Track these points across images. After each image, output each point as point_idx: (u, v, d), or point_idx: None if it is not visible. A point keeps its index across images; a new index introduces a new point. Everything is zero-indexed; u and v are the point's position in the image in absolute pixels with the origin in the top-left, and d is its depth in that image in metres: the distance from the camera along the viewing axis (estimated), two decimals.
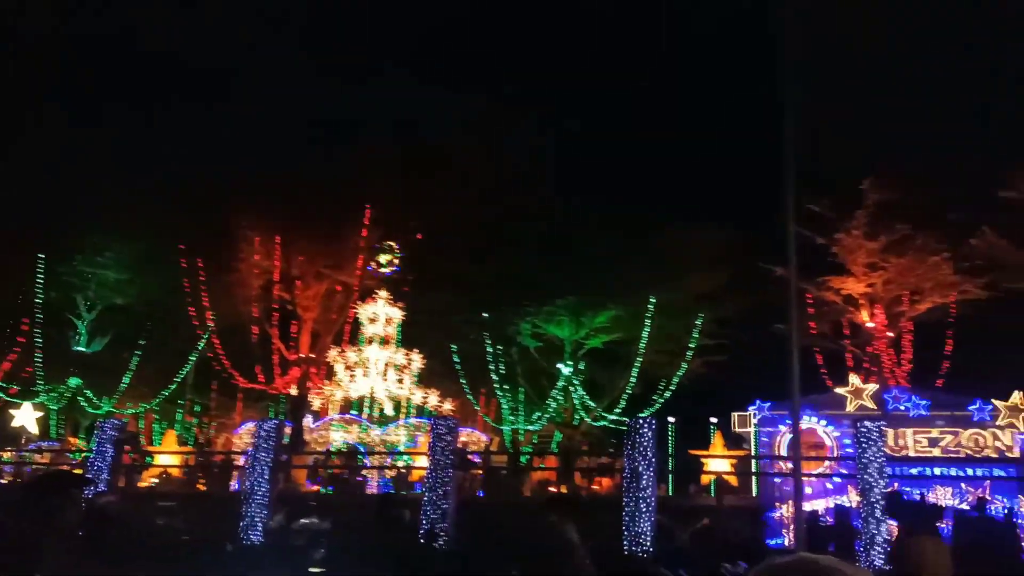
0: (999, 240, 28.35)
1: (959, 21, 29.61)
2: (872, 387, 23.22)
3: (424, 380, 30.42)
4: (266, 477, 17.49)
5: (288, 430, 22.96)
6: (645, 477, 16.31)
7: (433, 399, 29.53)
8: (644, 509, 15.87)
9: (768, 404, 22.68)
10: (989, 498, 16.98)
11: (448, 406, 29.75)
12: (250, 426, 23.05)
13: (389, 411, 28.70)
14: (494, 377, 33.34)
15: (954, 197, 29.21)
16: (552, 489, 24.22)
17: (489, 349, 32.77)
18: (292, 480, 23.30)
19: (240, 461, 21.96)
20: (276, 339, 30.77)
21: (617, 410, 33.19)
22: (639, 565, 14.17)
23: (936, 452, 20.12)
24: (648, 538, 15.19)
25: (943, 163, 28.66)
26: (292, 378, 30.62)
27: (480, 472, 23.63)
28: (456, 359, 32.42)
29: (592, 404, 33.48)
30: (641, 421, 17.21)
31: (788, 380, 13.11)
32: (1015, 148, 27.53)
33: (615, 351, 34.06)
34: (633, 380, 32.91)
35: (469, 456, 23.69)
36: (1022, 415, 21.07)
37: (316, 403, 29.59)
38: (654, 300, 31.15)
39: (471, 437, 28.62)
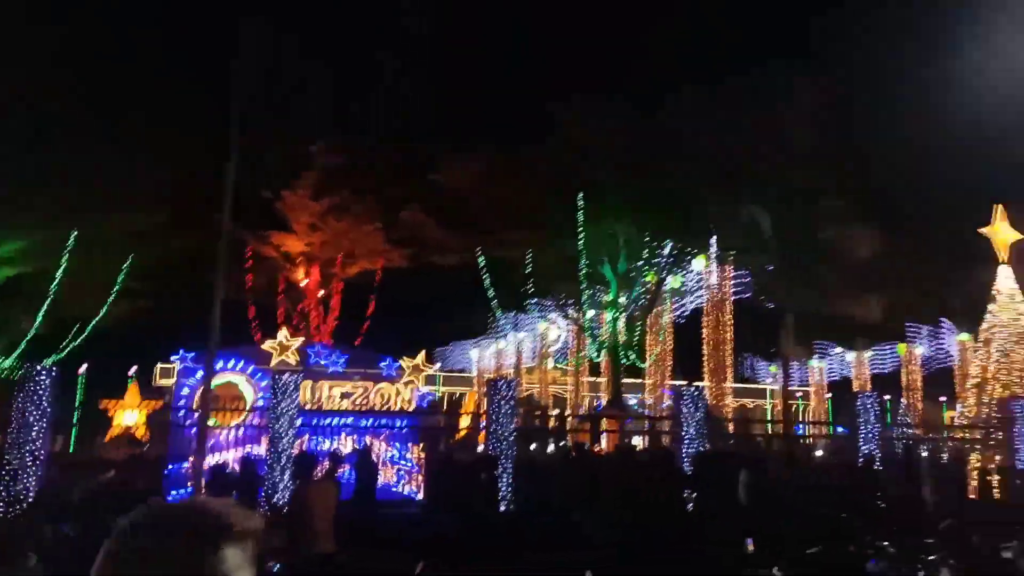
0: (425, 217, 31.75)
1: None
2: (297, 342, 23.84)
3: None
4: None
5: None
6: (35, 430, 14.15)
7: None
8: (30, 465, 13.84)
9: (192, 355, 21.72)
10: (378, 446, 18.64)
11: None
12: None
13: None
14: None
15: (392, 173, 31.86)
16: None
17: None
18: None
19: None
20: None
21: (16, 353, 28.61)
22: (10, 526, 12.18)
23: (347, 404, 21.50)
24: (32, 495, 13.35)
25: (389, 139, 31.00)
26: None
27: None
28: None
29: None
30: (39, 367, 14.84)
31: (209, 331, 12.57)
32: (447, 133, 31.04)
33: (20, 286, 29.26)
34: (40, 321, 28.68)
35: None
36: (422, 373, 23.80)
37: None
38: (76, 232, 27.46)
39: None
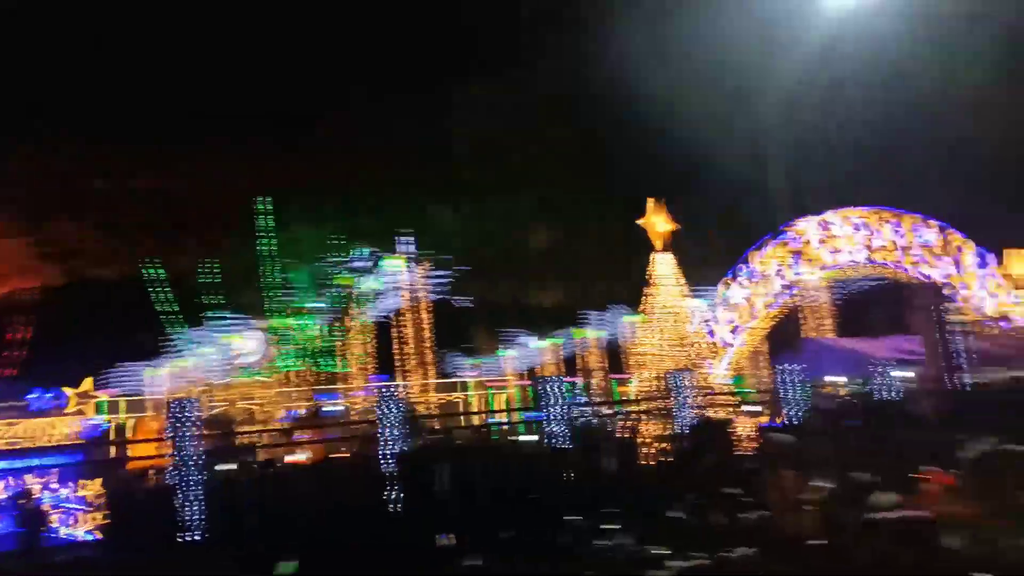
0: (78, 228, 28.53)
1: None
2: None
3: None
4: None
5: None
6: None
7: None
8: None
9: None
10: (33, 489, 16.29)
11: None
12: None
13: None
14: None
15: (37, 183, 28.21)
16: None
17: None
18: None
19: None
20: None
21: None
22: None
23: None
24: None
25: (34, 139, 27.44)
26: None
27: None
28: None
29: None
30: None
31: None
32: (108, 132, 28.13)
33: None
34: None
35: None
36: (92, 401, 21.22)
37: None
38: None
39: None
